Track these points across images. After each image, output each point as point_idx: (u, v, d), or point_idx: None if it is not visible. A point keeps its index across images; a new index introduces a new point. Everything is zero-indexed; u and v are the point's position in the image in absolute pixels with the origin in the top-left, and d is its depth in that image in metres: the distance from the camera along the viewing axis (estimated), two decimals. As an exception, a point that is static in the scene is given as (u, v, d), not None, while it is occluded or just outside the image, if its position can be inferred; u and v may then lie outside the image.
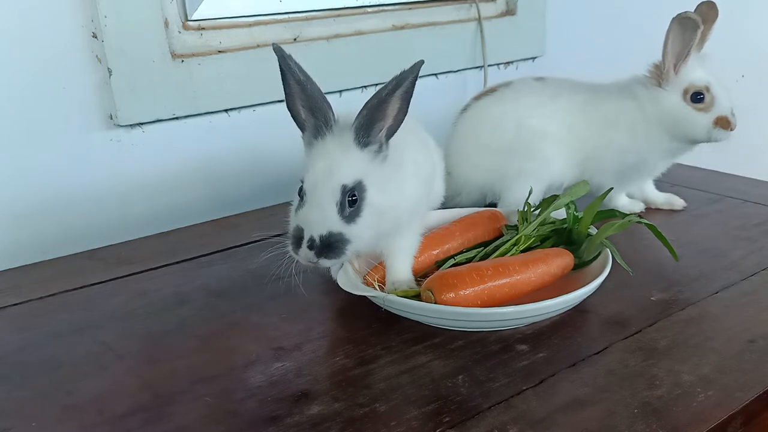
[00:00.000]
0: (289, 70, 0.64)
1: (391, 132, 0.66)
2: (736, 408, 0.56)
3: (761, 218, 0.95)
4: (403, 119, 0.66)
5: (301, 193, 0.66)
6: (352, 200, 0.64)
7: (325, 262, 0.65)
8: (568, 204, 0.79)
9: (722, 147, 0.92)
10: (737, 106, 0.91)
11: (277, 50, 0.64)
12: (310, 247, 0.63)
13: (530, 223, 0.78)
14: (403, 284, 0.72)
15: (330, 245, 0.63)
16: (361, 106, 0.64)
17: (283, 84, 0.65)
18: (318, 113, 0.65)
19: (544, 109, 0.94)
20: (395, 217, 0.69)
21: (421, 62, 0.63)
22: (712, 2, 0.91)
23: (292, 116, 0.67)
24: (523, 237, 0.77)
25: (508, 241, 0.78)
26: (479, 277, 0.68)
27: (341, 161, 0.64)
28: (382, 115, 0.64)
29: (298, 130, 0.68)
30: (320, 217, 0.63)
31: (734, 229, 0.92)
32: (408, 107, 0.65)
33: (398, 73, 0.63)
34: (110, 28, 0.94)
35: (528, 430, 0.54)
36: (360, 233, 0.65)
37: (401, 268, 0.73)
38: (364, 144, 0.65)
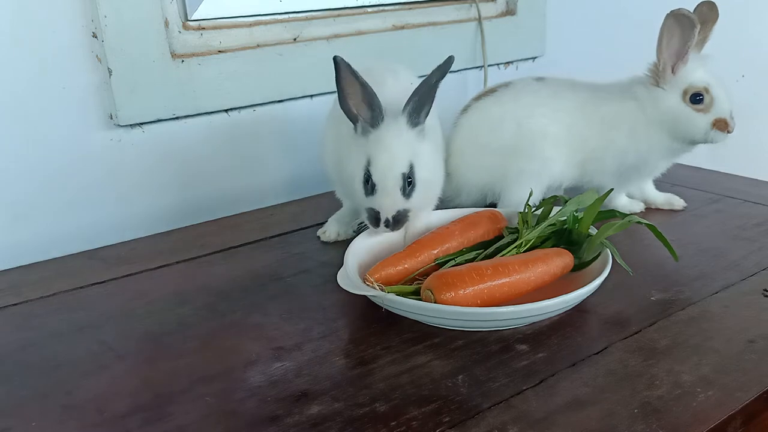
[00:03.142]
0: (354, 76, 0.75)
1: (428, 113, 0.79)
2: (736, 408, 0.56)
3: (761, 218, 0.95)
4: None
5: (367, 179, 0.77)
6: (409, 182, 0.77)
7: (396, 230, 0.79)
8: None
9: (722, 147, 0.91)
10: (737, 106, 0.90)
11: (340, 62, 0.75)
12: (386, 225, 0.77)
13: (532, 227, 0.78)
14: None
15: (399, 221, 0.78)
16: (412, 93, 0.76)
17: (339, 86, 0.76)
18: (375, 107, 0.76)
19: (544, 109, 0.94)
20: (434, 188, 0.85)
21: (452, 57, 0.80)
22: (713, 3, 0.91)
23: (345, 111, 0.77)
24: (524, 241, 0.76)
25: (509, 244, 0.77)
26: (479, 276, 0.68)
27: (399, 150, 0.77)
28: (429, 99, 0.78)
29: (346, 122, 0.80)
30: (391, 202, 0.77)
31: (734, 229, 0.92)
32: None
33: (441, 63, 0.78)
34: (110, 28, 0.94)
35: (528, 430, 0.54)
36: (416, 204, 0.79)
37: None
38: (413, 125, 0.78)
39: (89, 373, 0.64)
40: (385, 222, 0.77)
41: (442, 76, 0.78)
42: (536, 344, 0.66)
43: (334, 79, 0.75)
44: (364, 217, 0.79)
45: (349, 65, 0.75)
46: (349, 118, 0.78)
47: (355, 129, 0.79)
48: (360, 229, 0.89)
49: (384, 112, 0.76)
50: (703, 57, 0.92)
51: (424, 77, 0.77)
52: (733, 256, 0.84)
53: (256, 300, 0.78)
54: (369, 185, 0.77)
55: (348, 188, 0.82)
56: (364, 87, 0.75)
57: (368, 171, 0.77)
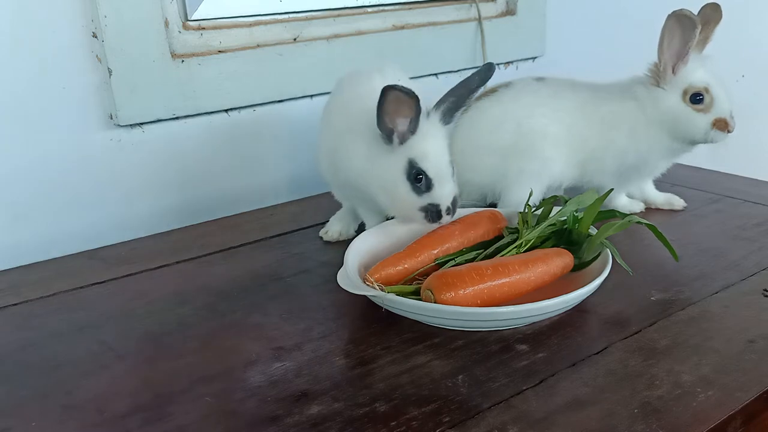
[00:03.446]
0: (407, 95, 0.72)
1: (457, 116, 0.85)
2: (736, 408, 0.56)
3: (761, 218, 0.95)
4: None
5: (419, 178, 0.77)
6: (453, 170, 0.80)
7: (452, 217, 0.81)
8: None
9: (722, 147, 0.91)
10: (737, 106, 0.90)
11: (389, 90, 0.72)
12: (448, 212, 0.79)
13: (532, 227, 0.78)
14: None
15: (455, 205, 0.80)
16: (447, 93, 0.80)
17: (382, 110, 0.74)
18: (418, 115, 0.76)
19: (544, 109, 0.94)
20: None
21: (492, 65, 0.83)
22: (717, 4, 0.90)
23: (382, 130, 0.76)
24: (524, 241, 0.76)
25: (509, 244, 0.77)
26: (479, 276, 0.68)
27: (443, 142, 0.79)
28: (465, 101, 0.82)
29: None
30: (450, 190, 0.79)
31: (734, 229, 0.92)
32: None
33: (479, 69, 0.82)
34: (110, 28, 0.94)
35: (528, 430, 0.54)
36: (457, 187, 0.82)
37: None
38: (446, 123, 0.80)
39: (89, 373, 0.64)
40: (446, 211, 0.79)
41: (483, 83, 0.81)
42: (536, 344, 0.66)
43: (377, 104, 0.73)
44: (418, 218, 0.78)
45: (397, 88, 0.72)
46: (384, 134, 0.76)
47: (390, 142, 0.77)
48: (360, 229, 0.89)
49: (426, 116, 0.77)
50: (704, 57, 0.92)
51: (458, 82, 0.80)
52: (733, 256, 0.84)
53: (256, 300, 0.78)
54: (422, 184, 0.77)
55: (377, 196, 0.81)
56: (417, 101, 0.73)
57: (419, 170, 0.77)
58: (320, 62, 1.14)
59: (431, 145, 0.77)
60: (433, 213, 0.78)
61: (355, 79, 0.87)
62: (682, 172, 1.11)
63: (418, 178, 0.77)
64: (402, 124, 0.76)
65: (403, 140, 0.77)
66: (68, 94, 0.95)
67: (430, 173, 0.77)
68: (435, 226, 0.79)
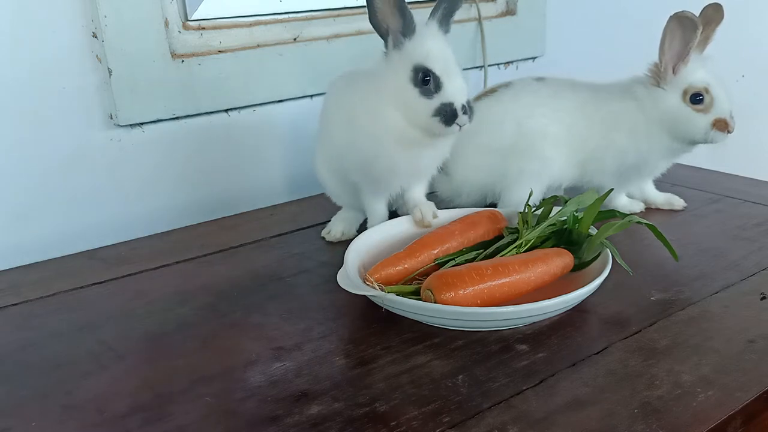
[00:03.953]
0: None
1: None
2: (736, 408, 0.56)
3: (761, 218, 0.95)
4: None
5: (425, 80, 0.75)
6: (460, 69, 0.78)
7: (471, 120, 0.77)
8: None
9: (722, 147, 0.91)
10: (737, 106, 0.90)
11: None
12: (464, 112, 0.75)
13: (532, 227, 0.78)
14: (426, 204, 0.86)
15: (472, 109, 0.77)
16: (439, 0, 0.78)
17: (371, 2, 0.75)
18: (407, 14, 0.75)
19: (544, 109, 0.94)
20: None
21: None
22: (719, 5, 0.90)
23: (375, 28, 0.77)
24: (524, 241, 0.76)
25: (508, 244, 0.77)
26: (479, 276, 0.68)
27: (445, 45, 0.77)
28: (458, 5, 0.79)
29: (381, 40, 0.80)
30: (461, 85, 0.76)
31: (734, 229, 0.92)
32: None
33: None
34: (110, 28, 0.94)
35: (528, 430, 0.54)
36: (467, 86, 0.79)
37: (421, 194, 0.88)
38: (445, 31, 0.79)
39: (89, 373, 0.64)
40: (462, 109, 0.75)
41: None
42: (536, 344, 0.66)
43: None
44: (435, 127, 0.75)
45: None
46: (379, 33, 0.78)
47: (386, 45, 0.78)
48: (362, 229, 0.89)
49: (414, 21, 0.76)
50: (704, 57, 0.92)
51: None
52: (733, 256, 0.84)
53: (256, 300, 0.78)
54: (431, 84, 0.75)
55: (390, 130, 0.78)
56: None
57: (425, 70, 0.74)
58: (320, 62, 1.14)
59: (433, 44, 0.76)
60: (447, 113, 0.74)
61: (348, 73, 0.88)
62: (682, 172, 1.11)
63: (425, 81, 0.75)
64: (394, 23, 0.76)
65: (397, 45, 0.76)
66: (68, 94, 0.95)
67: (437, 71, 0.75)
68: (455, 129, 0.75)
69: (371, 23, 0.77)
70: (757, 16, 1.33)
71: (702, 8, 0.91)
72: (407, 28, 0.76)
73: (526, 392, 0.59)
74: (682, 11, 0.85)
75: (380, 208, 0.88)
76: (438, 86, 0.75)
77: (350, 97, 0.83)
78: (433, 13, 0.78)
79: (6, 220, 0.94)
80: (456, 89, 0.75)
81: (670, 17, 0.86)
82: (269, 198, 1.15)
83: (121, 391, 0.62)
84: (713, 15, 0.91)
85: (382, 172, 0.82)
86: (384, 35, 0.78)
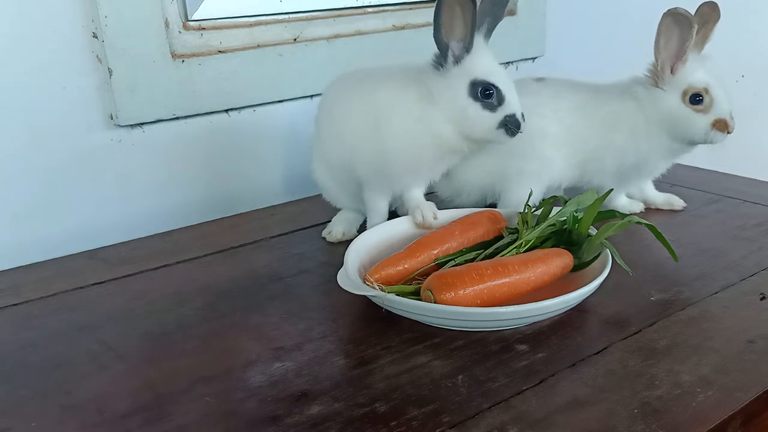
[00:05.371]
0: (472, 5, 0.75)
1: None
2: (735, 408, 0.56)
3: (761, 218, 0.95)
4: None
5: (488, 94, 0.79)
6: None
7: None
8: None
9: (722, 147, 0.91)
10: (737, 106, 0.90)
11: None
12: (523, 118, 0.81)
13: (532, 228, 0.78)
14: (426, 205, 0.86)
15: (523, 116, 0.82)
16: (480, 12, 0.78)
17: (439, 19, 0.76)
18: (474, 33, 0.78)
19: (544, 109, 0.94)
20: None
21: None
22: (714, 3, 0.90)
23: (436, 43, 0.78)
24: (524, 241, 0.76)
25: (508, 244, 0.77)
26: (479, 276, 0.68)
27: (496, 59, 0.81)
28: (502, 17, 0.82)
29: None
30: (518, 99, 0.81)
31: (734, 229, 0.92)
32: None
33: None
34: (110, 28, 0.94)
35: (528, 430, 0.54)
36: None
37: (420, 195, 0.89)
38: (487, 41, 0.82)
39: (89, 373, 0.65)
40: (522, 117, 0.80)
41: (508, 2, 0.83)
42: (536, 344, 0.66)
43: (434, 11, 0.76)
44: (498, 137, 0.80)
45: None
46: (439, 48, 0.79)
47: (443, 64, 0.79)
48: (362, 230, 0.89)
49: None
50: (703, 57, 0.92)
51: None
52: (733, 256, 0.84)
53: (256, 300, 0.78)
54: (494, 98, 0.79)
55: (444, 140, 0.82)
56: (473, 6, 0.75)
57: (488, 85, 0.78)
58: (320, 62, 1.14)
59: (491, 59, 0.80)
60: (512, 124, 0.79)
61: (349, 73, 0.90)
62: (682, 172, 1.11)
63: (487, 94, 0.78)
64: (456, 41, 0.77)
65: (458, 61, 0.78)
66: (68, 94, 0.95)
67: (501, 85, 0.79)
68: (514, 139, 0.80)
69: (434, 38, 0.78)
70: (757, 15, 1.33)
71: (697, 7, 0.90)
72: (471, 45, 0.78)
73: (526, 392, 0.59)
74: (676, 8, 0.84)
75: (382, 206, 0.88)
76: (501, 100, 0.79)
77: (378, 102, 0.83)
78: (479, 27, 0.80)
79: (6, 220, 0.94)
80: (515, 102, 0.80)
81: (664, 14, 0.85)
82: (269, 198, 1.15)
83: (121, 391, 0.62)
84: (710, 13, 0.90)
85: (405, 173, 0.85)
86: (444, 50, 0.79)
